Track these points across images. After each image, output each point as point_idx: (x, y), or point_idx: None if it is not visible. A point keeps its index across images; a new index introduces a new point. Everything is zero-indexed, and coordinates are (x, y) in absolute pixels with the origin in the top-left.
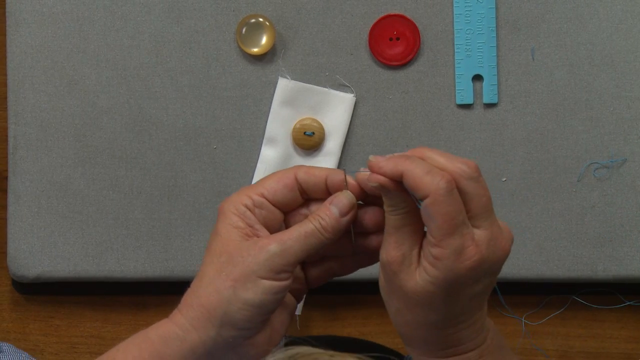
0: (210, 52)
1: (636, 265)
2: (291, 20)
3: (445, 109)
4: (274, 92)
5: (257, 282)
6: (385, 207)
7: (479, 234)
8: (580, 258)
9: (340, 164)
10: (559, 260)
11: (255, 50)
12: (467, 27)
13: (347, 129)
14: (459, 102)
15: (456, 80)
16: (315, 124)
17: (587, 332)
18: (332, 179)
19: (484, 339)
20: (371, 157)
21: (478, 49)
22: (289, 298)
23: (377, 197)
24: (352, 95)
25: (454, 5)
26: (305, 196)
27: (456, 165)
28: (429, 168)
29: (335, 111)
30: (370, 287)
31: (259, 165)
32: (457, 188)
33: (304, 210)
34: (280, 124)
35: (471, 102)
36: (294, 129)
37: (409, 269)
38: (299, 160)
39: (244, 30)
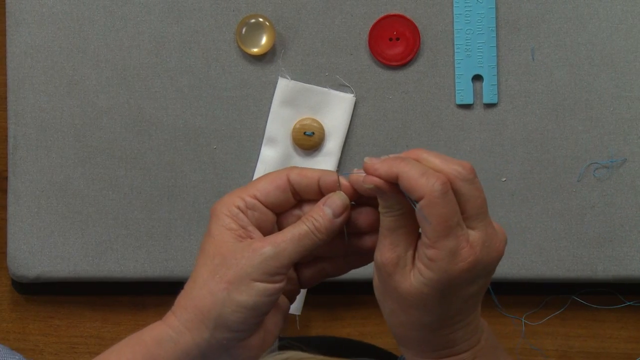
0: (210, 52)
1: (636, 266)
2: (291, 20)
3: (445, 109)
4: (274, 92)
5: (251, 285)
6: (380, 209)
7: (474, 235)
8: (580, 258)
9: (340, 164)
10: (558, 261)
11: (255, 50)
12: (467, 27)
13: (347, 129)
14: (458, 102)
15: (456, 81)
16: (315, 124)
17: (587, 332)
18: (325, 180)
19: (478, 340)
20: (366, 159)
21: (478, 49)
22: (282, 299)
23: (370, 197)
24: (352, 95)
25: (454, 5)
26: (297, 197)
27: (451, 167)
28: (424, 170)
29: (335, 111)
30: (370, 287)
31: (258, 165)
32: (452, 189)
33: (296, 212)
34: (280, 124)
35: (471, 102)
36: (293, 129)
37: (403, 271)
38: (299, 160)
39: (243, 30)
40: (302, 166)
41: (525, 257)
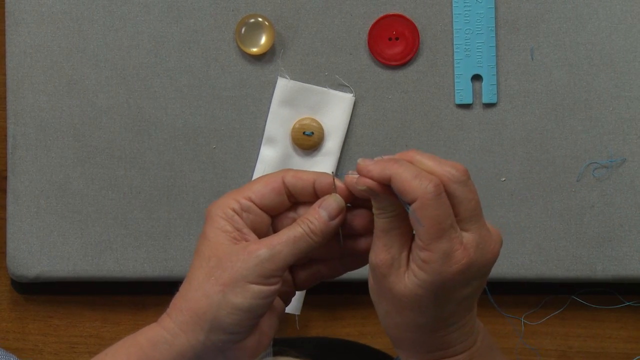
0: (210, 52)
1: (635, 265)
2: (290, 20)
3: (444, 109)
4: (273, 92)
5: (247, 287)
6: (374, 210)
7: (468, 237)
8: (579, 258)
9: (339, 164)
10: (558, 260)
11: (255, 50)
12: (467, 27)
13: (346, 129)
14: (458, 102)
15: (455, 80)
16: (314, 124)
17: (587, 332)
18: (320, 182)
19: (473, 341)
20: (360, 161)
21: (477, 48)
22: (277, 302)
23: (366, 199)
24: (352, 95)
25: (453, 5)
26: (292, 200)
27: (445, 169)
28: (417, 172)
29: (334, 111)
30: None
31: (258, 165)
32: (445, 192)
33: (291, 214)
34: (279, 123)
35: (470, 102)
36: (293, 128)
37: (398, 272)
38: (298, 160)
39: (243, 30)
40: (301, 166)
41: (524, 256)
